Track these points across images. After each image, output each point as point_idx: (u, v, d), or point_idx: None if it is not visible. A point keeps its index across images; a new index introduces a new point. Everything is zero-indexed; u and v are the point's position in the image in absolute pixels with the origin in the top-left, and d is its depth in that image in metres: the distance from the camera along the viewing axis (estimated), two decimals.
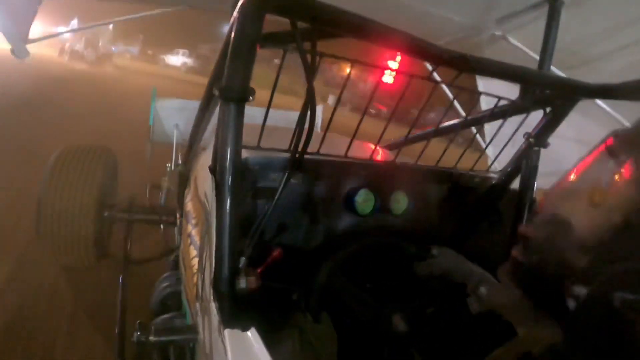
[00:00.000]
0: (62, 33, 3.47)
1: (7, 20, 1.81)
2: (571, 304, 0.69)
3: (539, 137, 1.41)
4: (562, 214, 0.75)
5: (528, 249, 0.81)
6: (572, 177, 0.78)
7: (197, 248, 1.12)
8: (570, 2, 1.26)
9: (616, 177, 0.67)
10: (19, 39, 1.95)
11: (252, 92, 0.85)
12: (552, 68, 1.33)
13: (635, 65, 1.46)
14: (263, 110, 1.11)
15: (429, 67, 1.44)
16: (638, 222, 0.62)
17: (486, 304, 1.02)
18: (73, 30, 14.44)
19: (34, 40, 2.08)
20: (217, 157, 0.87)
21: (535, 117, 1.42)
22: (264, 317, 0.83)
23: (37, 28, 2.08)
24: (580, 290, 0.68)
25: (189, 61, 32.21)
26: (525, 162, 1.45)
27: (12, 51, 1.97)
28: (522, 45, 1.51)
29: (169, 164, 2.73)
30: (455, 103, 1.89)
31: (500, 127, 1.47)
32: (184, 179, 1.80)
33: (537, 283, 0.78)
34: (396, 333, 1.11)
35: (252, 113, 1.04)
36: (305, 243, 1.30)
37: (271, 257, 1.14)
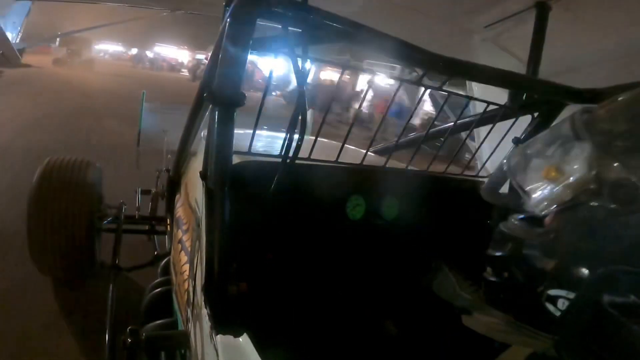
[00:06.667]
0: (55, 37, 3.45)
1: None
2: (550, 307, 0.71)
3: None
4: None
5: (496, 267, 0.86)
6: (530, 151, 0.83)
7: (188, 254, 1.12)
8: (557, 7, 1.28)
9: (573, 156, 0.70)
10: (10, 44, 1.93)
11: (242, 96, 0.85)
12: (540, 73, 1.35)
13: (622, 70, 1.48)
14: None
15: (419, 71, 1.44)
16: (585, 200, 0.68)
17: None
18: (65, 34, 14.31)
19: (25, 46, 2.06)
20: (208, 162, 0.87)
21: (525, 121, 1.44)
22: (256, 323, 0.83)
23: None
24: (557, 293, 0.71)
25: None
26: None
27: (3, 55, 1.95)
28: (510, 51, 1.53)
29: (158, 170, 2.70)
30: (446, 108, 1.91)
31: (489, 131, 1.48)
32: (173, 185, 1.79)
33: (511, 296, 0.83)
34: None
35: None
36: (297, 248, 1.29)
37: (262, 263, 1.14)
